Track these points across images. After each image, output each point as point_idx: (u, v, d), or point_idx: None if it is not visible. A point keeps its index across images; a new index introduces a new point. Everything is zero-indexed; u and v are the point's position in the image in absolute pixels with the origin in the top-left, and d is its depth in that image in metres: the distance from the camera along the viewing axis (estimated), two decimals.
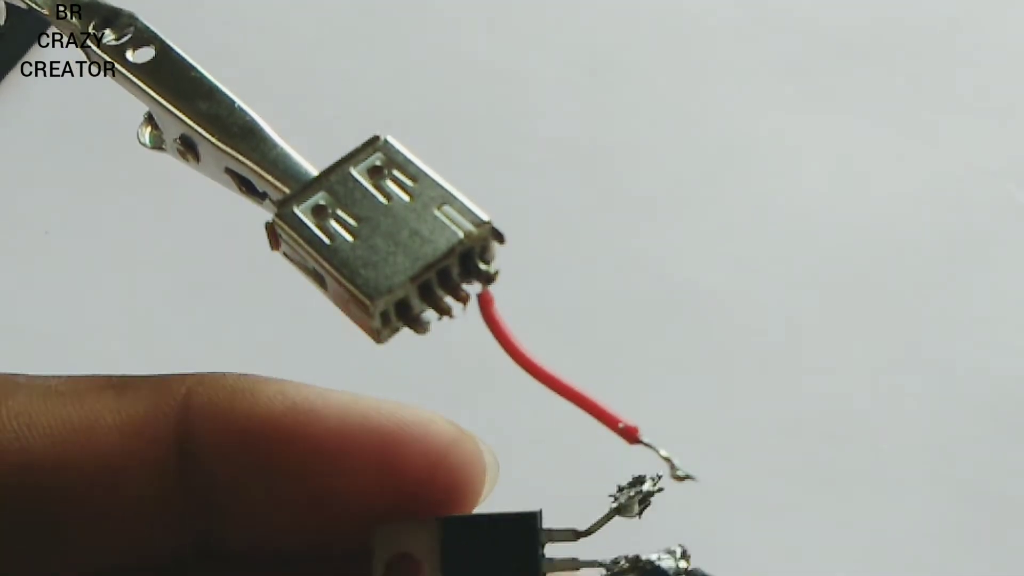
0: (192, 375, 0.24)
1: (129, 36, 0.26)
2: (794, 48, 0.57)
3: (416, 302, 0.22)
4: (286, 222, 0.23)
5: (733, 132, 0.54)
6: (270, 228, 0.23)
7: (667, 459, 0.22)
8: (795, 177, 0.53)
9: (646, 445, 0.22)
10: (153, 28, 0.26)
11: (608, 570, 0.22)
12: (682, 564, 0.22)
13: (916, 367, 0.48)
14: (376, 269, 0.22)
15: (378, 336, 0.22)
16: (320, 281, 0.23)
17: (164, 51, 0.25)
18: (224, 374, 0.24)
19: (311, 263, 0.23)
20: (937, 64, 0.56)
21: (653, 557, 0.22)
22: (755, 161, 0.54)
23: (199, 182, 0.26)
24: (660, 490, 0.23)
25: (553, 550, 0.23)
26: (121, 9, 0.26)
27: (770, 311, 0.50)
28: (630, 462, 0.23)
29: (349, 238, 0.22)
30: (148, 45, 0.26)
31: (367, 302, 0.22)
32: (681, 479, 0.22)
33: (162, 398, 0.23)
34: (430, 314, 0.22)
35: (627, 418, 0.22)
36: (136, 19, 0.26)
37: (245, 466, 0.23)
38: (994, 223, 0.52)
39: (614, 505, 0.23)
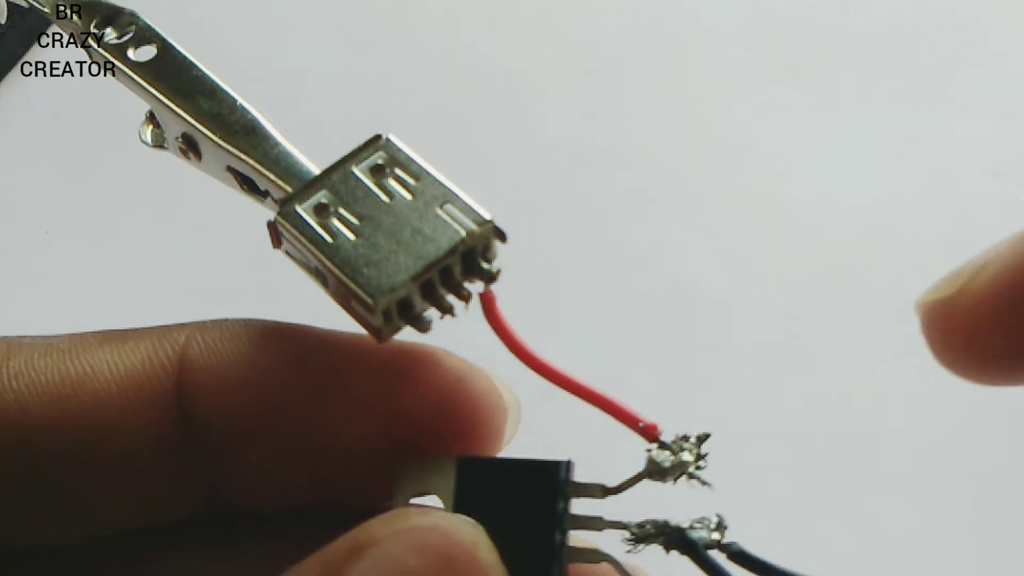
0: (193, 323, 0.24)
1: (130, 35, 0.26)
2: (794, 48, 0.57)
3: (418, 301, 0.22)
4: (288, 220, 0.23)
5: (733, 131, 0.54)
6: (272, 227, 0.23)
7: (684, 462, 0.21)
8: (795, 177, 0.53)
9: (665, 445, 0.21)
10: (154, 27, 0.26)
11: (633, 533, 0.21)
12: (715, 536, 0.21)
13: (917, 366, 0.48)
14: (378, 268, 0.22)
15: (380, 335, 0.22)
16: (322, 279, 0.23)
17: (165, 49, 0.25)
18: (226, 320, 0.24)
19: (313, 261, 0.22)
20: (938, 64, 0.56)
21: (684, 525, 0.21)
22: (755, 161, 0.54)
23: (201, 181, 0.26)
24: (704, 456, 0.21)
25: (578, 507, 0.21)
26: (122, 8, 0.26)
27: (771, 310, 0.50)
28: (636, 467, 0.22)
29: (351, 237, 0.22)
30: (149, 44, 0.26)
31: (369, 301, 0.22)
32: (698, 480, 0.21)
33: (161, 347, 0.23)
34: (432, 313, 0.22)
35: (647, 417, 0.21)
36: (137, 18, 0.26)
37: (243, 412, 0.23)
38: (994, 223, 0.52)
39: (648, 466, 0.21)
